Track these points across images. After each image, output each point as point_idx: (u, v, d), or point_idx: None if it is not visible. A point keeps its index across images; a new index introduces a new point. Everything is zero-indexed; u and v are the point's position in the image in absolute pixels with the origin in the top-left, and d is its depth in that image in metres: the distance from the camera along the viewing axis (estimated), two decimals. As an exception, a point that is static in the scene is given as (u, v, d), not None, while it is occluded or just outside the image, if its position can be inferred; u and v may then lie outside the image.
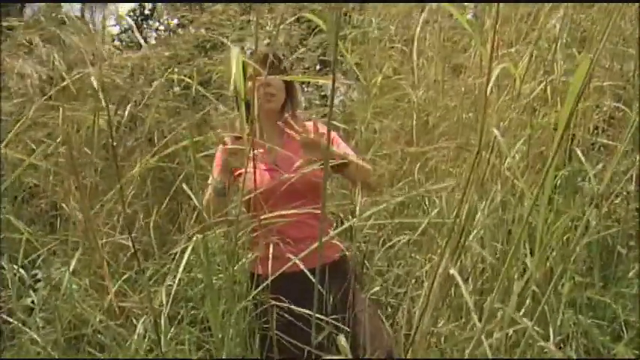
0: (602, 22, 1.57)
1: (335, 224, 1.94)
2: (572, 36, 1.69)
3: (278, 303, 1.39)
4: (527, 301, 1.25)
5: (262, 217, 1.42)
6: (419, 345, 1.02)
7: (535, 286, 1.20)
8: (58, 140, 1.62)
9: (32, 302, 1.61)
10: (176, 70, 2.96)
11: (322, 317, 1.27)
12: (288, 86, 1.78)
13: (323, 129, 1.74)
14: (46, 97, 1.55)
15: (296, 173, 1.48)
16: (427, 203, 1.80)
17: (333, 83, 0.83)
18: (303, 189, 1.58)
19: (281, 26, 3.22)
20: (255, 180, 1.44)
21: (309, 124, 1.76)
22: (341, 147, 1.76)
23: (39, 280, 1.71)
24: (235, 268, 1.39)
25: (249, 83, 1.62)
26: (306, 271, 1.28)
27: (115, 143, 1.34)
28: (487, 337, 1.03)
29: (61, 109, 1.49)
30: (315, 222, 1.61)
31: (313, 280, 1.28)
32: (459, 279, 0.95)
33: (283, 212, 1.42)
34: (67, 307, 1.55)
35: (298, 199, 1.56)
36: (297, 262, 1.23)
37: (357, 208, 1.60)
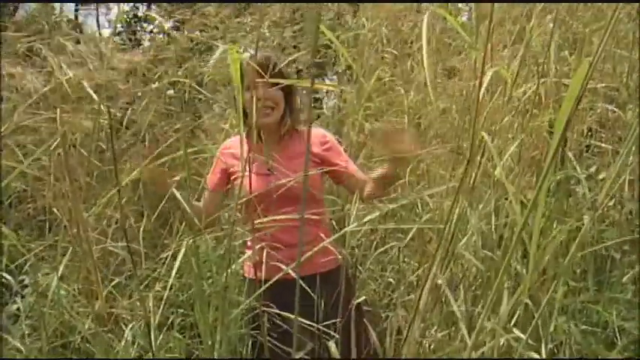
0: (595, 24, 1.56)
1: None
2: (564, 37, 1.67)
3: (269, 310, 1.37)
4: (521, 307, 1.24)
5: (256, 221, 1.40)
6: (408, 354, 1.00)
7: (528, 296, 1.17)
8: (55, 145, 1.59)
9: (18, 309, 1.58)
10: (169, 72, 2.93)
11: (312, 324, 1.25)
12: (287, 95, 1.71)
13: (320, 134, 1.73)
14: (32, 99, 1.52)
15: (292, 178, 1.46)
16: (419, 206, 1.79)
17: (312, 85, 0.81)
18: (301, 195, 1.55)
19: (276, 29, 3.20)
20: (250, 184, 1.41)
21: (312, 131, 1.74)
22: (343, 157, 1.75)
23: (26, 286, 1.69)
24: (227, 273, 1.37)
25: (247, 94, 1.58)
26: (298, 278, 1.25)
27: (111, 146, 1.31)
28: (478, 348, 1.01)
29: (58, 110, 1.47)
30: (308, 227, 1.59)
31: (306, 288, 1.26)
32: (447, 290, 0.93)
33: (276, 217, 1.39)
34: (55, 313, 1.52)
35: (293, 204, 1.53)
36: (290, 270, 1.20)
37: (353, 214, 1.57)
